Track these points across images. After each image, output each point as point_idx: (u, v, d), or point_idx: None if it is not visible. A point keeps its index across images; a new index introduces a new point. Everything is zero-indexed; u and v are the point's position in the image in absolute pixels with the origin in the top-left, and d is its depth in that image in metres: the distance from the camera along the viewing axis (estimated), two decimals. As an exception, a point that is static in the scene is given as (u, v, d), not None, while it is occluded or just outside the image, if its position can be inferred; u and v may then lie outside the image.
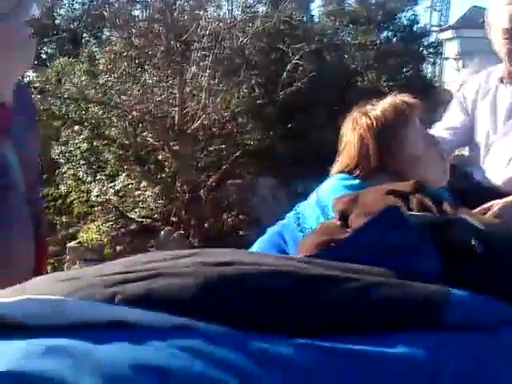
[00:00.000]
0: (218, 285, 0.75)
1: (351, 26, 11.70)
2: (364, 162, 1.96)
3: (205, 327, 0.73)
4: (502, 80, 2.44)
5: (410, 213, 1.33)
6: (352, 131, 2.02)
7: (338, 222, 1.79)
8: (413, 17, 12.59)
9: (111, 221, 5.47)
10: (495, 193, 2.43)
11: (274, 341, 0.77)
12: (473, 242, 1.00)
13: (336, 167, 2.02)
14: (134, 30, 6.19)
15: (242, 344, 0.74)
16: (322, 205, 1.94)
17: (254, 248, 2.23)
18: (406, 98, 2.02)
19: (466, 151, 3.36)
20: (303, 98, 7.03)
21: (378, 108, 1.97)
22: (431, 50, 13.12)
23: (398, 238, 0.99)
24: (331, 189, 2.01)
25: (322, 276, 0.84)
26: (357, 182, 1.97)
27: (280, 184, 6.35)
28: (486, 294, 0.95)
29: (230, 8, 6.21)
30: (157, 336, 0.68)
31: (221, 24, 5.97)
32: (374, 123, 1.95)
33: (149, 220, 5.57)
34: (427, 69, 13.39)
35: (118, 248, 5.31)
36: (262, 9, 7.06)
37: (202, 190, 5.60)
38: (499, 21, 2.24)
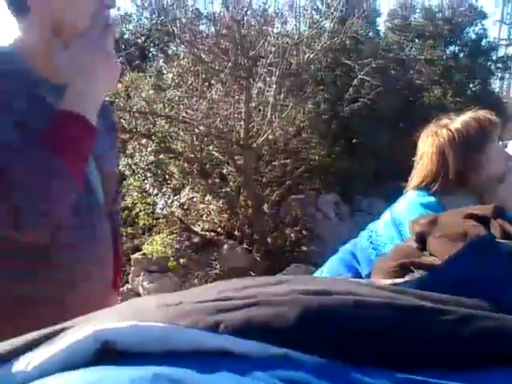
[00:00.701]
0: (316, 314, 0.73)
1: (417, 40, 11.53)
2: (442, 176, 1.89)
3: (305, 358, 0.71)
4: None
5: (498, 240, 1.28)
6: (431, 144, 1.95)
7: (415, 245, 1.74)
8: (481, 31, 12.29)
9: (175, 233, 5.53)
10: None
11: (375, 375, 0.74)
12: None
13: (413, 182, 1.97)
14: (201, 46, 6.29)
15: (344, 377, 0.72)
16: (396, 223, 1.88)
17: (326, 267, 2.19)
18: (487, 113, 1.94)
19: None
20: (368, 113, 6.95)
21: (458, 121, 1.90)
22: (499, 65, 12.76)
23: (492, 267, 0.95)
24: (407, 207, 1.96)
25: (419, 307, 0.81)
26: (434, 199, 1.91)
27: (343, 200, 6.28)
28: None
29: (296, 24, 6.22)
30: (259, 366, 0.67)
31: (287, 40, 5.99)
32: (456, 135, 1.88)
33: (212, 233, 5.61)
34: (495, 84, 13.01)
35: (181, 261, 5.37)
36: (328, 24, 7.03)
37: (265, 205, 5.60)
38: None
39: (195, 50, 6.26)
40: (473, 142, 1.87)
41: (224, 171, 5.79)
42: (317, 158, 6.06)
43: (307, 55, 5.99)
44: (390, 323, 0.78)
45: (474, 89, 11.53)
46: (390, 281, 1.28)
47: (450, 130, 1.91)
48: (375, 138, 6.83)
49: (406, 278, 1.21)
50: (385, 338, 0.76)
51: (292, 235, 5.53)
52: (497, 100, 12.14)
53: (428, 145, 1.98)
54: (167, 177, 5.91)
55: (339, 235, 5.77)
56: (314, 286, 0.83)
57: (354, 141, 6.69)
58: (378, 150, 6.71)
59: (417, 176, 1.97)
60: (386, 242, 1.92)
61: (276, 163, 5.71)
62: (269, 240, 5.39)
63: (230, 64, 5.45)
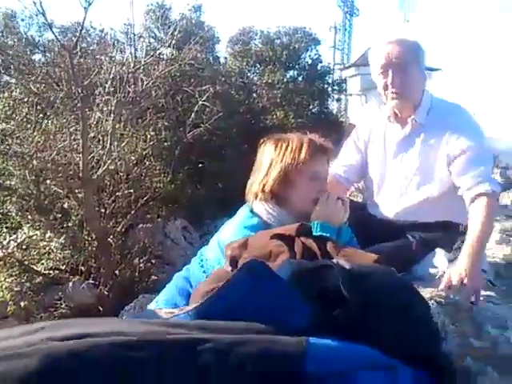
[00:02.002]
0: (62, 361, 0.71)
1: (258, 65, 12.01)
2: (262, 189, 2.00)
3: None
4: (389, 118, 2.56)
5: (289, 260, 1.34)
6: (260, 156, 2.07)
7: (229, 268, 1.78)
8: (316, 56, 13.12)
9: (14, 275, 5.17)
10: (389, 226, 2.51)
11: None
12: (342, 289, 1.01)
13: (247, 192, 2.07)
14: (33, 76, 6.00)
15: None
16: (221, 246, 1.93)
17: (161, 296, 2.17)
18: (318, 138, 2.07)
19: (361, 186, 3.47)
20: (211, 138, 7.07)
21: (290, 139, 2.02)
22: (335, 87, 13.67)
23: (266, 292, 0.98)
24: (232, 230, 2.02)
25: (183, 340, 0.81)
26: (257, 220, 1.99)
27: (192, 225, 6.30)
28: (357, 339, 0.96)
29: (132, 52, 6.17)
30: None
31: (124, 68, 5.91)
32: (282, 152, 2.00)
33: (56, 271, 5.32)
34: (332, 105, 13.93)
35: (22, 304, 5.02)
36: (166, 51, 7.08)
37: (111, 237, 5.43)
38: (377, 57, 2.38)
39: (27, 80, 5.96)
40: (295, 163, 1.97)
41: (65, 206, 5.53)
42: (161, 185, 6.02)
43: (145, 83, 5.96)
44: (142, 361, 0.77)
45: (313, 110, 12.26)
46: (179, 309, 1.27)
47: (276, 146, 2.02)
48: (220, 162, 6.96)
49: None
50: (136, 378, 0.75)
51: (141, 265, 5.42)
52: (334, 119, 13.00)
53: (258, 158, 2.08)
54: (2, 216, 5.53)
55: (189, 260, 5.73)
56: (75, 330, 0.80)
57: (199, 166, 6.77)
58: (224, 173, 6.84)
59: (248, 187, 2.07)
60: (214, 264, 1.96)
61: (119, 194, 5.57)
62: (117, 273, 5.23)
63: (61, 94, 5.26)
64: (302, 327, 0.94)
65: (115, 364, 0.71)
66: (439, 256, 2.30)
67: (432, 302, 1.84)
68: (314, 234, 1.70)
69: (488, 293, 2.10)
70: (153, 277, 5.42)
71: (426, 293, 1.91)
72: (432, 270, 2.27)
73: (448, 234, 2.46)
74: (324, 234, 1.69)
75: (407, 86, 2.39)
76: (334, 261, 1.19)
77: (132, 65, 5.76)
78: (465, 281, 1.94)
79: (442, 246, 2.34)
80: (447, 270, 2.13)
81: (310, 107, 11.89)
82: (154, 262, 5.63)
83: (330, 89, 13.28)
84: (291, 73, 12.54)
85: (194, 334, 0.81)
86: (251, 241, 1.59)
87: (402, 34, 2.50)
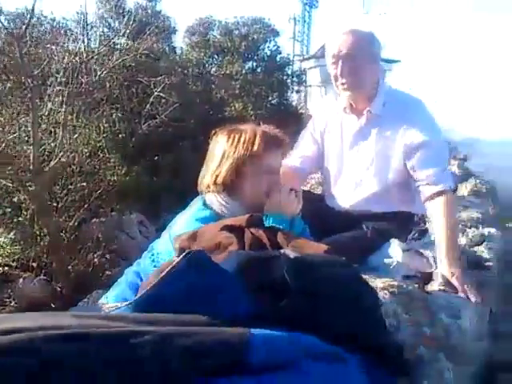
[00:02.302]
0: None
1: (216, 56, 11.91)
2: (219, 179, 1.95)
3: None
4: (345, 110, 2.53)
5: (236, 251, 1.29)
6: (213, 147, 2.01)
7: (178, 260, 1.71)
8: (275, 47, 13.10)
9: (-40, 273, 4.98)
10: (346, 217, 2.50)
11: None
12: (288, 280, 0.97)
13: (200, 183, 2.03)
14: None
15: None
16: (172, 239, 1.87)
17: (111, 292, 2.10)
18: (272, 130, 2.02)
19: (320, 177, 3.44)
20: (168, 130, 6.97)
21: (243, 131, 1.97)
22: (295, 79, 13.69)
23: (209, 283, 0.94)
24: (184, 223, 1.96)
25: (120, 333, 0.76)
26: (209, 212, 1.93)
27: (148, 219, 6.19)
28: (307, 330, 0.93)
29: (85, 41, 5.99)
30: None
31: (77, 58, 5.74)
32: (235, 144, 1.95)
33: (6, 268, 5.14)
34: (292, 96, 13.94)
35: (-31, 302, 4.84)
36: (120, 41, 6.92)
37: (63, 232, 5.29)
38: (331, 47, 2.35)
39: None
40: (244, 153, 1.92)
41: (15, 200, 5.35)
42: (116, 178, 5.89)
43: (99, 73, 5.82)
44: (79, 354, 0.72)
45: (272, 101, 12.24)
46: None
47: (229, 138, 1.96)
48: (176, 154, 6.86)
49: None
50: (75, 369, 0.70)
51: (95, 260, 5.29)
52: (294, 111, 13.00)
53: (211, 148, 2.02)
54: None
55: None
56: (7, 325, 0.75)
57: (155, 158, 6.66)
58: (181, 164, 6.74)
59: (200, 178, 2.02)
60: (166, 258, 1.90)
61: (72, 187, 5.42)
62: (70, 268, 5.09)
63: (9, 84, 5.07)
64: (247, 318, 0.90)
65: (45, 358, 0.66)
66: (394, 246, 2.30)
67: (385, 291, 1.82)
68: (266, 225, 1.66)
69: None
70: (107, 272, 5.29)
71: (379, 282, 1.90)
72: (387, 260, 2.26)
73: (403, 224, 2.47)
74: (276, 226, 1.65)
75: (357, 77, 2.35)
76: (282, 251, 1.15)
77: (85, 55, 5.60)
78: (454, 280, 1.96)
79: (396, 236, 2.34)
80: (433, 270, 2.13)
81: (270, 98, 11.87)
82: (108, 256, 5.51)
83: (289, 80, 13.29)
84: (250, 64, 12.50)
85: (131, 327, 0.76)
86: (200, 232, 1.54)
87: (358, 25, 2.47)
